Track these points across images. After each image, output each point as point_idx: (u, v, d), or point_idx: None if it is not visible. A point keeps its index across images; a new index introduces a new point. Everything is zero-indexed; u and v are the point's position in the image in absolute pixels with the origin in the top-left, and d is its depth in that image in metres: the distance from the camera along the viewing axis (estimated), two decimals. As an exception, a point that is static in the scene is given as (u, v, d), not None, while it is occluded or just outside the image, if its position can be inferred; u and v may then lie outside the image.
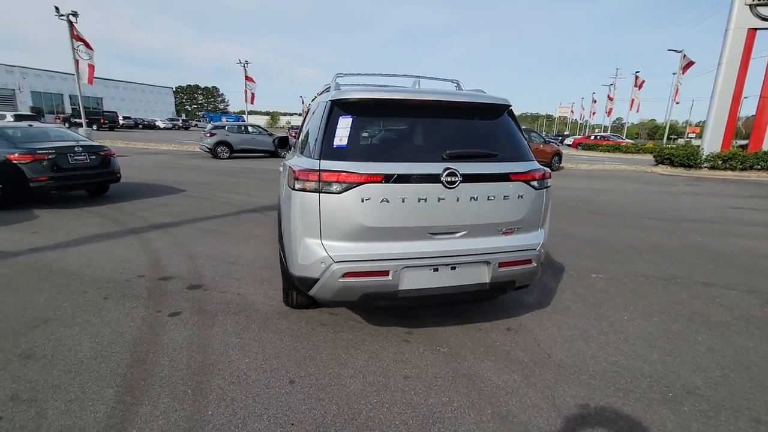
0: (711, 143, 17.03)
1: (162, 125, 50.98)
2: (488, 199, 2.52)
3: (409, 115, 2.68)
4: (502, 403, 2.29)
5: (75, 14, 23.35)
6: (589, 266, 4.68)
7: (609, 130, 47.39)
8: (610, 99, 44.24)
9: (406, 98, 2.55)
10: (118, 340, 2.83)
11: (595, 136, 37.19)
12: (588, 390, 2.42)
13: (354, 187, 2.33)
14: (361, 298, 2.49)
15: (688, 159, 17.42)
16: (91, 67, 24.17)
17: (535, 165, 2.72)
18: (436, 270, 2.53)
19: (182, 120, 55.66)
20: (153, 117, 56.51)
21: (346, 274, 2.40)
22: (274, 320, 3.17)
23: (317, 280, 2.45)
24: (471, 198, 2.48)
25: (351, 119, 2.49)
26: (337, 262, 2.39)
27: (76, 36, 23.70)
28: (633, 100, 36.77)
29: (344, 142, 2.43)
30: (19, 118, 22.53)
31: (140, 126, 47.84)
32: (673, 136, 59.64)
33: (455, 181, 2.43)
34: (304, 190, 2.40)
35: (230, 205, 7.62)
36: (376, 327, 3.11)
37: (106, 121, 38.13)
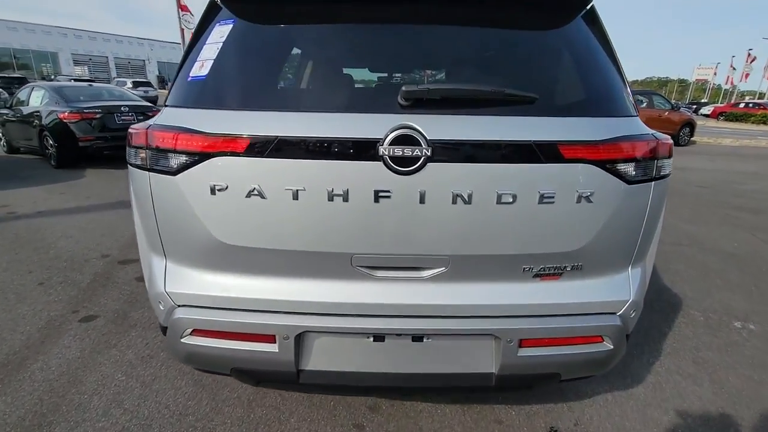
0: None
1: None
2: (500, 201, 1.12)
3: (356, 18, 1.32)
4: None
5: (181, -16, 24.91)
6: (730, 304, 2.86)
7: (767, 98, 37.34)
8: (776, 55, 34.66)
9: None
10: (-12, 354, 2.13)
11: (746, 104, 29.25)
12: None
13: (196, 162, 1.13)
14: (235, 373, 1.34)
15: None
16: (194, 36, 25.92)
17: (635, 128, 1.20)
18: (379, 340, 1.25)
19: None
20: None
21: (195, 332, 1.26)
22: (194, 349, 2.20)
23: (166, 328, 1.35)
24: (457, 197, 1.11)
25: (232, 24, 1.25)
26: (181, 305, 1.26)
27: (182, 6, 25.44)
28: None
29: (206, 70, 1.22)
30: (136, 84, 25.13)
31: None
32: None
33: (418, 158, 1.08)
34: (134, 165, 1.27)
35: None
36: (327, 386, 1.95)
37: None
